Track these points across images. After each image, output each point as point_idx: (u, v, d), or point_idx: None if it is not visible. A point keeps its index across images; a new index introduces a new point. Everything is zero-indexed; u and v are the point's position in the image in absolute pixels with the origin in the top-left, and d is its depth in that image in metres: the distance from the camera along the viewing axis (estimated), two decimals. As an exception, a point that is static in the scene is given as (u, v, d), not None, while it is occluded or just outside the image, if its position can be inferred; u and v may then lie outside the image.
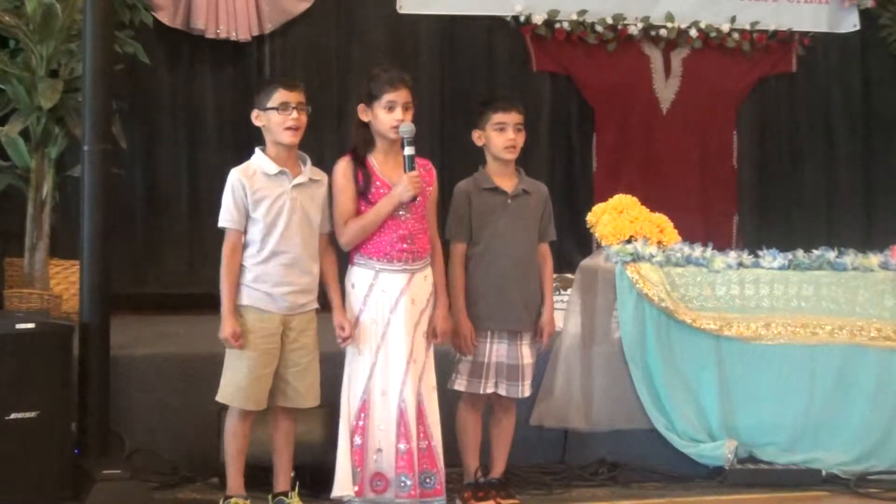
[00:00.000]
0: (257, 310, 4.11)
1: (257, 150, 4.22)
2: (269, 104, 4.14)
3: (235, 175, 4.15)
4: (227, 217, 4.13)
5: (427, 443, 4.19)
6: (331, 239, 4.26)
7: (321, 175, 4.26)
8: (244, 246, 4.13)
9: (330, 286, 4.23)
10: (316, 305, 4.23)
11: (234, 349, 4.11)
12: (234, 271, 4.11)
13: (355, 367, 4.17)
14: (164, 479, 4.60)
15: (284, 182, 4.15)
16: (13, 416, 4.09)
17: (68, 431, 4.32)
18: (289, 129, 4.11)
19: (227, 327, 4.07)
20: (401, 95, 4.15)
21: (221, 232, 4.15)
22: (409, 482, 4.13)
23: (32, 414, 4.13)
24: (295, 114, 4.12)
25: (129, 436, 4.65)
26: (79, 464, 4.31)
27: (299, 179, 4.17)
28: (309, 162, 4.24)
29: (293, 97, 4.14)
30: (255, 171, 4.16)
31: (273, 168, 4.14)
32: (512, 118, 4.42)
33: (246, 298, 4.11)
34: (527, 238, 4.48)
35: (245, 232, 4.12)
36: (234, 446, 4.17)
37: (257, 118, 4.19)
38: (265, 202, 4.11)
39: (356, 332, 4.16)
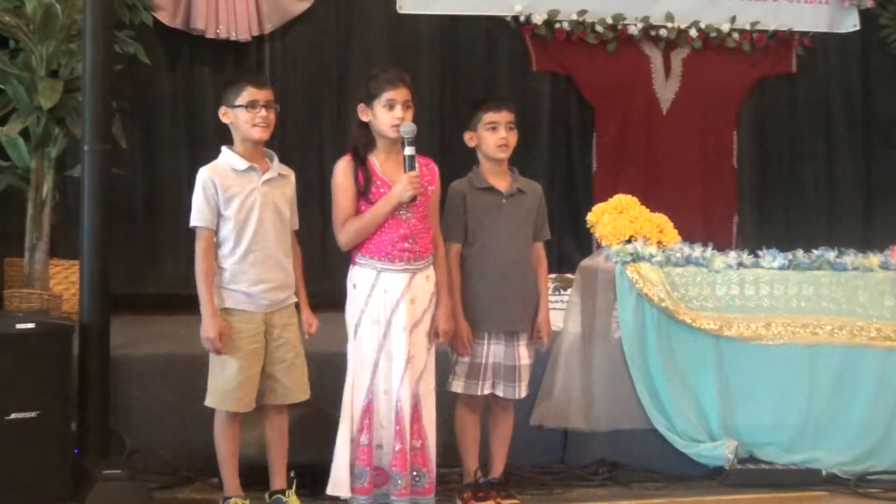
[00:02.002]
0: (239, 311, 4.12)
1: (224, 148, 4.23)
2: (238, 101, 4.15)
3: (205, 173, 4.15)
4: (198, 216, 4.12)
5: (421, 442, 4.19)
6: (297, 237, 4.30)
7: (289, 171, 4.30)
8: (217, 245, 4.14)
9: (297, 285, 4.26)
10: (295, 300, 4.25)
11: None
12: (211, 271, 4.11)
13: (358, 367, 4.16)
14: (164, 479, 4.60)
15: (254, 178, 4.16)
16: (13, 416, 4.09)
17: (68, 431, 4.32)
18: (257, 126, 4.13)
19: (212, 327, 4.05)
20: (400, 94, 4.15)
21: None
22: (400, 481, 4.13)
23: (32, 414, 4.13)
24: (263, 112, 4.14)
25: (129, 436, 4.65)
26: (79, 464, 4.31)
27: (269, 175, 4.19)
28: (276, 158, 4.26)
29: (262, 95, 4.16)
30: (224, 168, 4.17)
31: (242, 164, 4.16)
32: (503, 117, 4.42)
33: (227, 301, 4.12)
34: (522, 238, 4.47)
35: (217, 231, 4.13)
36: (225, 448, 4.18)
37: (224, 115, 4.20)
38: (237, 199, 4.12)
39: (359, 333, 4.16)
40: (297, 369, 4.21)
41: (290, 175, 4.30)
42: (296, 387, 4.20)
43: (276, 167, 4.23)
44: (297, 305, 4.27)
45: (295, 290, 4.25)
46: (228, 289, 4.12)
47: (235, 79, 4.34)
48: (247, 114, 4.13)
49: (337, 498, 4.19)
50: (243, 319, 4.11)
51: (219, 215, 4.12)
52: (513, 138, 4.44)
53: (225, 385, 4.11)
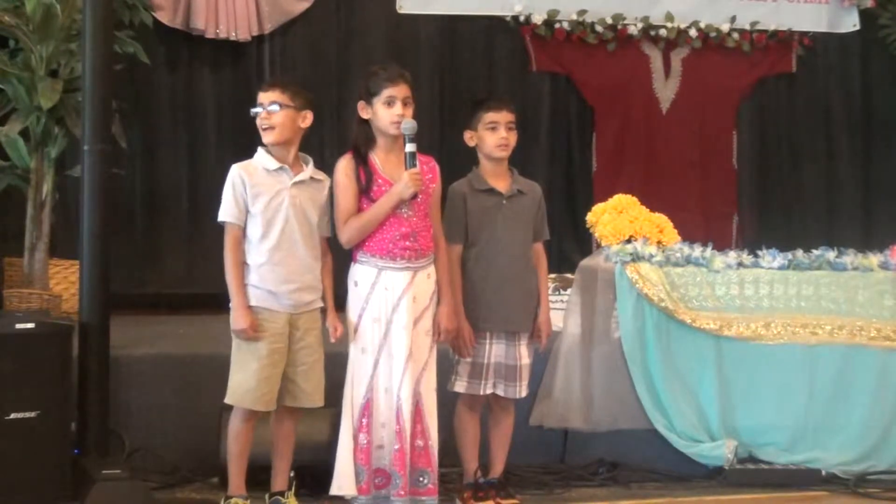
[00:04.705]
0: (264, 309, 4.11)
1: (260, 148, 4.24)
2: (255, 106, 4.21)
3: (236, 170, 4.17)
4: (226, 211, 4.14)
5: (424, 442, 4.18)
6: (329, 244, 4.28)
7: (323, 176, 4.27)
8: (246, 242, 4.14)
9: (325, 291, 4.25)
10: (321, 304, 4.23)
11: (241, 350, 4.11)
12: (238, 265, 4.11)
13: (358, 365, 4.16)
14: (164, 479, 4.59)
15: (284, 179, 4.16)
16: (13, 416, 4.08)
17: (68, 431, 4.31)
18: (263, 129, 4.16)
19: (243, 319, 4.06)
20: (400, 91, 4.14)
21: (221, 231, 4.15)
22: (399, 481, 4.12)
23: (32, 414, 4.12)
24: (264, 113, 4.16)
25: (129, 436, 4.65)
26: (79, 464, 4.31)
27: (300, 177, 4.18)
28: (311, 163, 4.25)
29: (265, 97, 4.18)
30: (255, 167, 4.18)
31: (273, 164, 4.16)
32: (503, 117, 4.42)
33: (252, 299, 4.11)
34: (522, 238, 4.47)
35: (245, 228, 4.14)
36: (236, 447, 4.17)
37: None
38: (263, 197, 4.12)
39: (359, 330, 4.16)
40: (316, 374, 4.20)
41: (325, 181, 4.27)
42: (313, 392, 4.18)
43: (310, 171, 4.23)
44: (323, 310, 4.25)
45: (322, 294, 4.24)
46: (255, 286, 4.12)
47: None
48: (258, 118, 4.17)
49: (337, 498, 4.18)
50: (267, 318, 4.11)
51: (247, 212, 4.13)
52: (513, 138, 4.44)
53: (245, 384, 4.09)
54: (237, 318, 4.08)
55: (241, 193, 4.12)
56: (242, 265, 4.12)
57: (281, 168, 4.16)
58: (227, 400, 4.15)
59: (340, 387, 4.19)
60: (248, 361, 4.10)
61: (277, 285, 4.11)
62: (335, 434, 4.20)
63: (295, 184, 4.16)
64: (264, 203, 4.12)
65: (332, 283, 4.28)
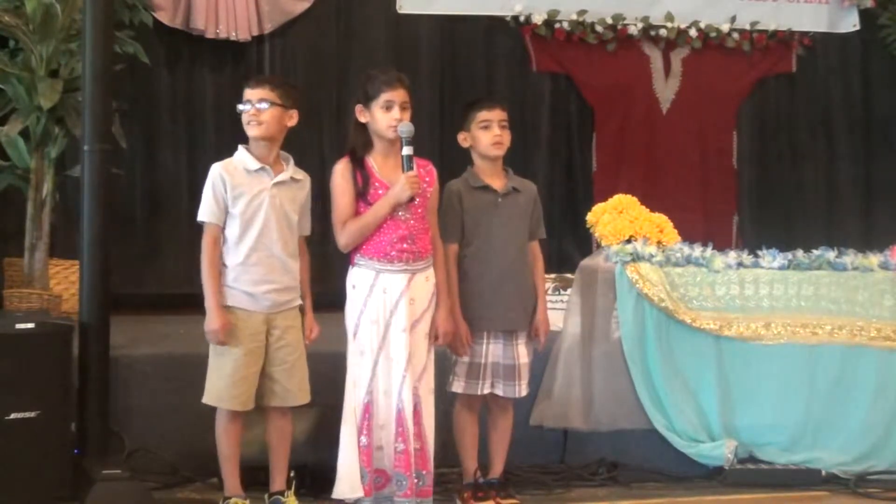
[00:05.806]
0: (240, 310, 4.11)
1: (241, 147, 4.23)
2: (241, 103, 4.19)
3: (216, 170, 4.16)
4: (206, 211, 4.14)
5: (421, 444, 4.19)
6: (307, 243, 4.29)
7: (304, 176, 4.28)
8: (224, 242, 4.14)
9: (303, 290, 4.26)
10: (299, 302, 4.24)
11: (217, 350, 4.11)
12: (215, 265, 4.12)
13: (358, 368, 4.16)
14: (164, 479, 4.59)
15: (265, 179, 4.16)
16: (13, 416, 4.08)
17: (68, 431, 4.32)
18: (249, 124, 4.15)
19: (216, 319, 4.06)
20: (398, 95, 4.15)
21: (221, 231, 4.16)
22: (405, 482, 4.13)
23: (32, 414, 4.12)
24: (252, 110, 4.14)
25: (129, 436, 4.64)
26: (79, 464, 4.31)
27: (280, 177, 4.18)
28: (292, 162, 4.26)
29: (253, 94, 4.17)
30: (236, 166, 4.18)
31: (254, 164, 4.16)
32: (496, 115, 4.41)
33: (228, 299, 4.12)
34: (518, 237, 4.47)
35: (224, 228, 4.14)
36: (226, 447, 4.17)
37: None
38: (244, 198, 4.12)
39: (358, 333, 4.16)
40: (298, 372, 4.20)
41: (305, 180, 4.28)
42: (297, 390, 4.19)
43: (291, 171, 4.23)
44: (302, 309, 4.26)
45: (300, 294, 4.25)
46: (230, 287, 4.12)
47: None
48: (244, 114, 4.16)
49: (339, 500, 4.18)
50: (244, 318, 4.11)
51: (226, 212, 4.12)
52: (507, 137, 4.44)
53: (221, 383, 4.11)
54: (210, 319, 4.08)
55: (222, 193, 4.12)
56: (219, 264, 4.12)
57: (262, 168, 4.16)
58: (205, 400, 4.17)
59: (336, 386, 4.19)
60: (224, 362, 4.11)
61: (254, 286, 4.12)
62: (331, 432, 4.19)
63: (275, 184, 4.16)
64: (245, 203, 4.12)
65: (309, 282, 4.29)
